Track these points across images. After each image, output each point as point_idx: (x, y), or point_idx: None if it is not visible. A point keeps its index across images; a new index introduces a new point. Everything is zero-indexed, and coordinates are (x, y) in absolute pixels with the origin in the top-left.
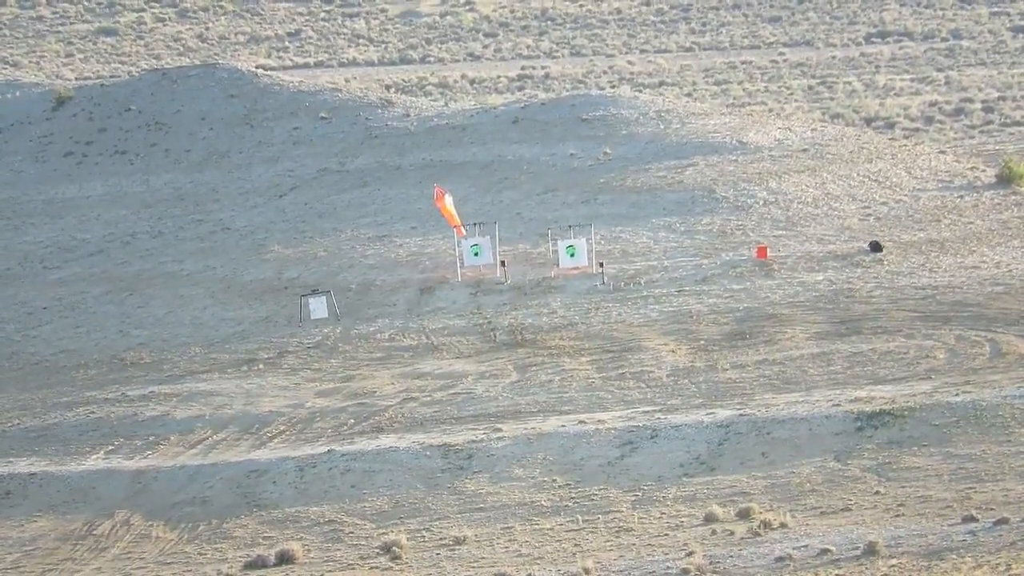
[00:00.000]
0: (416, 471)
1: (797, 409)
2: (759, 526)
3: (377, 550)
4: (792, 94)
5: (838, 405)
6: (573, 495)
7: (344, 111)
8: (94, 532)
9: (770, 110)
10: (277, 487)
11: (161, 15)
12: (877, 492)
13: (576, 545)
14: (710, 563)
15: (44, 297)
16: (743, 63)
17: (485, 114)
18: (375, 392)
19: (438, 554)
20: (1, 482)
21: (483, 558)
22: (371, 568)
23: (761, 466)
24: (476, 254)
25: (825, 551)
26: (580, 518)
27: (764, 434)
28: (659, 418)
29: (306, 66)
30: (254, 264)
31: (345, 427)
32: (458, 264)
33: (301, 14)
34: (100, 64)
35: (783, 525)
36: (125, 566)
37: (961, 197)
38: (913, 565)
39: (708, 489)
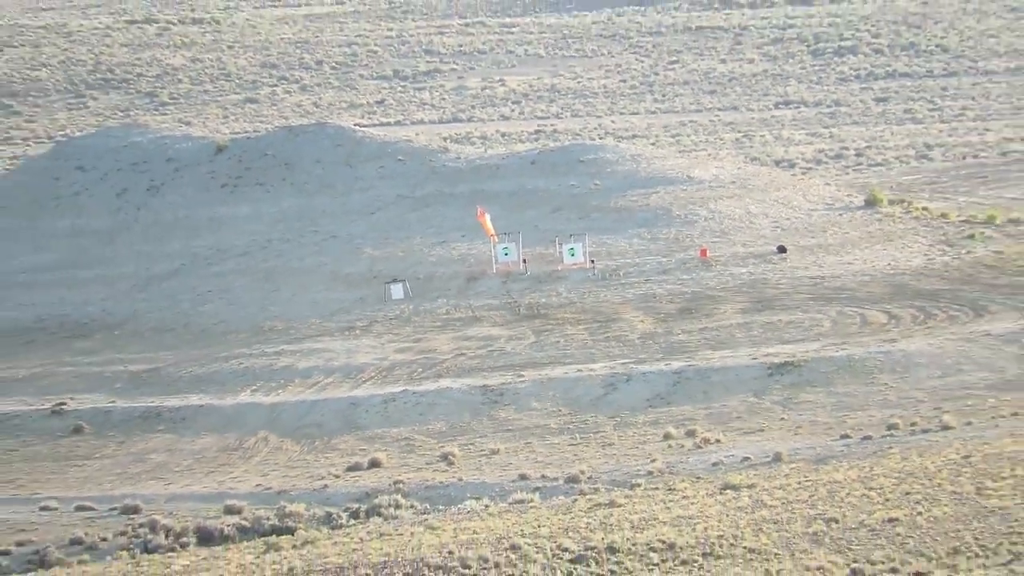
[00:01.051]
0: (464, 404)
1: (727, 361)
2: (701, 441)
3: (438, 457)
4: (724, 143)
5: (756, 359)
6: (573, 420)
7: (414, 155)
8: (243, 446)
9: (709, 154)
10: (368, 415)
11: (288, 89)
12: (782, 418)
13: (575, 455)
14: (667, 467)
15: (208, 284)
16: (690, 122)
17: (512, 158)
18: (436, 350)
19: (480, 460)
20: (179, 411)
21: (511, 464)
22: (434, 470)
23: (703, 401)
24: (506, 254)
25: (746, 458)
26: (578, 436)
27: (705, 379)
28: (632, 367)
29: (388, 124)
30: (352, 262)
31: (415, 374)
32: (493, 261)
33: (385, 88)
34: (246, 123)
35: (718, 441)
36: (264, 469)
37: (840, 215)
38: (807, 468)
39: (666, 416)
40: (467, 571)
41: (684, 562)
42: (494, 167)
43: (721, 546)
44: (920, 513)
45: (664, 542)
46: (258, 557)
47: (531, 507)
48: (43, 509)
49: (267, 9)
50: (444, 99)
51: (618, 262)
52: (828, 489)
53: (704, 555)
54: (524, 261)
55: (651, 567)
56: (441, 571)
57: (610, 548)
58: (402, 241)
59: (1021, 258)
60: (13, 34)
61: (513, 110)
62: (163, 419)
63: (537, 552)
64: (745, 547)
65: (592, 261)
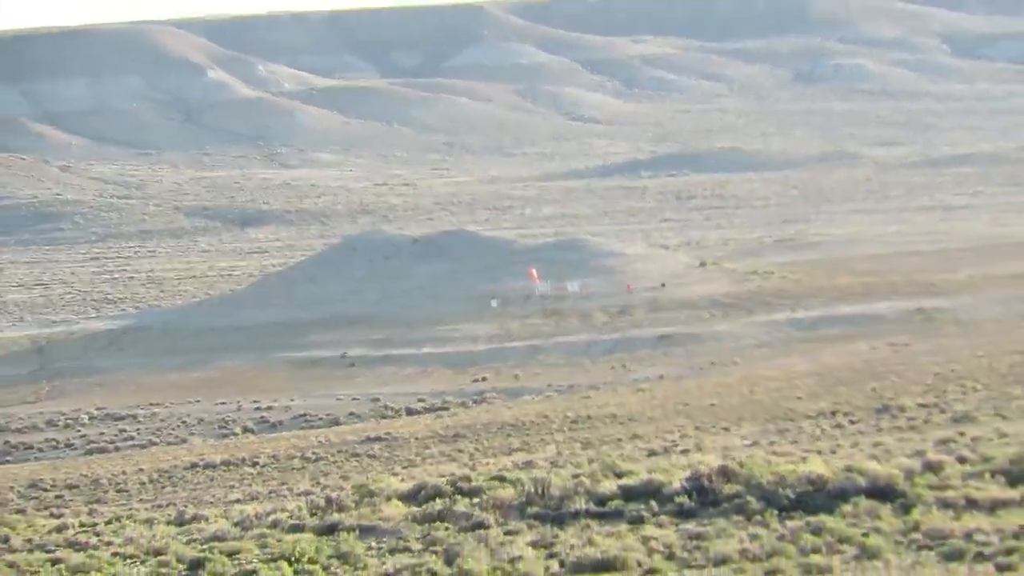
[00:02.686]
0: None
1: (637, 332)
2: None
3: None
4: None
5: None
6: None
7: (498, 245)
8: (427, 372)
9: (632, 241)
10: (484, 355)
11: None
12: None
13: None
14: (614, 379)
15: (403, 299)
16: (628, 228)
17: (544, 245)
18: (510, 330)
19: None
20: (396, 356)
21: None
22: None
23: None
24: (543, 286)
25: (660, 376)
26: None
27: (629, 344)
28: (601, 337)
29: (496, 229)
30: (474, 289)
31: (503, 337)
32: (536, 290)
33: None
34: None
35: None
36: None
37: (688, 269)
38: (680, 382)
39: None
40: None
41: (621, 423)
42: (536, 248)
43: (632, 415)
44: (725, 400)
45: (612, 414)
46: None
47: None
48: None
49: None
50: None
51: (590, 291)
52: (685, 390)
53: (628, 419)
54: (550, 289)
55: (607, 423)
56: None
57: (587, 416)
58: (495, 283)
59: (775, 289)
60: None
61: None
62: (391, 359)
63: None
64: (648, 416)
65: (579, 288)
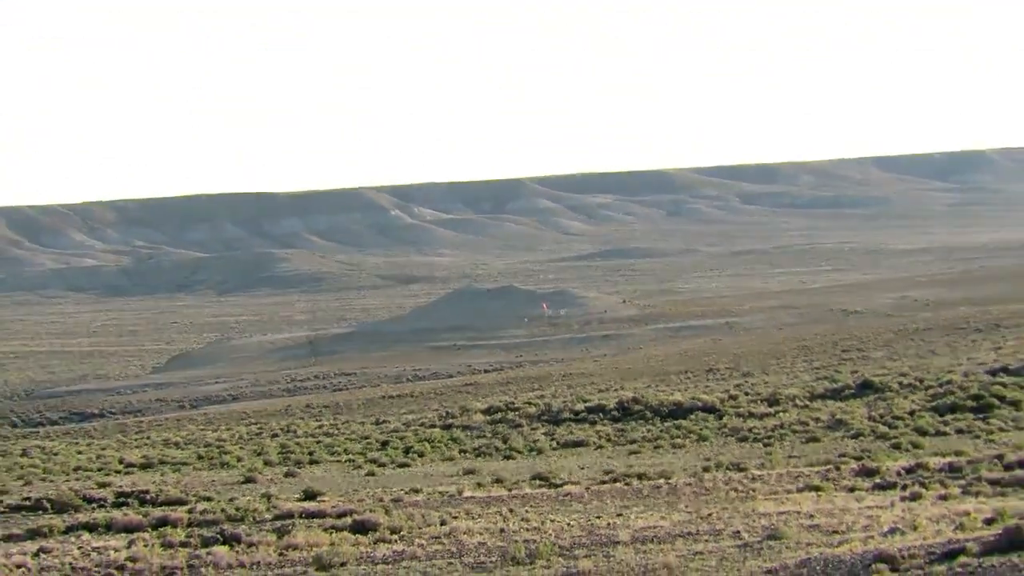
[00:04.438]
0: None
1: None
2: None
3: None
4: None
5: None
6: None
7: (527, 294)
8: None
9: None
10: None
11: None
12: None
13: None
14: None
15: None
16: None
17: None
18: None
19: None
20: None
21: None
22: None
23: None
24: (550, 312)
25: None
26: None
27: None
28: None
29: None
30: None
31: (534, 335)
32: (545, 311)
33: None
34: None
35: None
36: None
37: (618, 302)
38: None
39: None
40: None
41: (585, 377)
42: (545, 294)
43: (591, 373)
44: (635, 366)
45: (581, 372)
46: None
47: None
48: (460, 365)
49: None
50: (535, 281)
51: (569, 314)
52: (615, 362)
53: (589, 376)
54: (551, 313)
55: (579, 377)
56: None
57: (569, 374)
58: (525, 310)
59: (658, 313)
60: None
61: (548, 283)
62: (476, 346)
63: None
64: (599, 374)
65: (562, 313)
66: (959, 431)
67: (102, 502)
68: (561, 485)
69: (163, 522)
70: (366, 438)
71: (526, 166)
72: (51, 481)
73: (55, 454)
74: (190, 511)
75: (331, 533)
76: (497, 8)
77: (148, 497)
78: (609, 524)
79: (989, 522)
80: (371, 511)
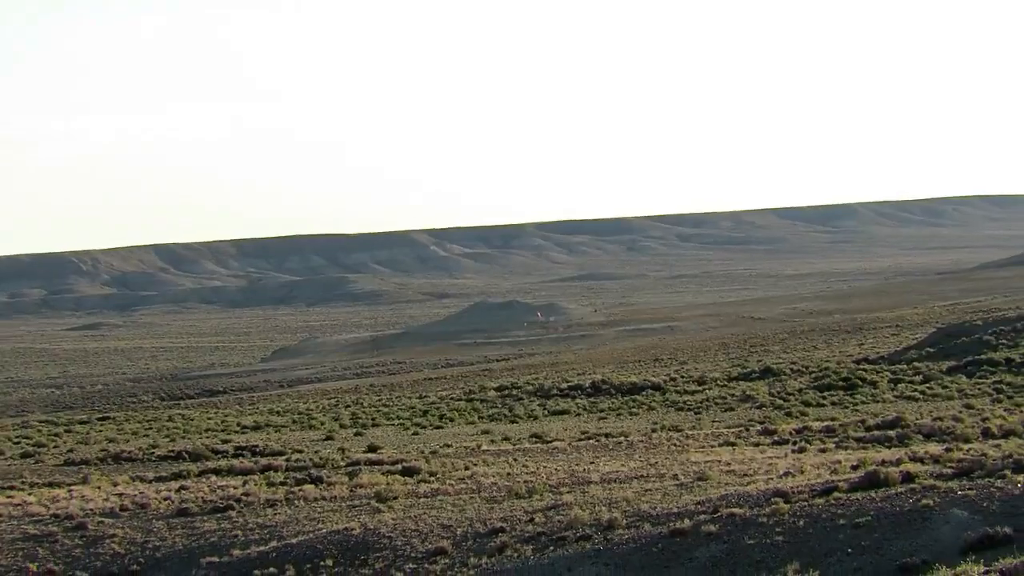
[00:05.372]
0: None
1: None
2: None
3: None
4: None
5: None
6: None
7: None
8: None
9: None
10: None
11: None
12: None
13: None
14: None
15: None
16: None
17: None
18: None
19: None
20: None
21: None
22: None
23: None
24: (542, 318)
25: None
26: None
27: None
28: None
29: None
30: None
31: (538, 332)
32: (539, 318)
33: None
34: None
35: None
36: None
37: (594, 314)
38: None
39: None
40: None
41: (567, 365)
42: (540, 304)
43: (571, 362)
44: (602, 357)
45: (565, 361)
46: None
47: None
48: (478, 356)
49: None
50: (533, 296)
51: (557, 320)
52: (588, 354)
53: (569, 363)
54: (543, 319)
55: (563, 365)
56: None
57: (557, 363)
58: (524, 317)
59: (620, 319)
60: None
61: (541, 297)
62: (490, 343)
63: None
64: (576, 362)
65: (551, 319)
66: (834, 403)
67: (224, 454)
68: (551, 442)
69: (268, 468)
70: (412, 408)
71: (526, 214)
72: (189, 439)
73: (191, 419)
74: (287, 460)
75: (387, 476)
76: (494, 87)
77: (257, 450)
78: (585, 469)
79: (855, 468)
80: (415, 460)
